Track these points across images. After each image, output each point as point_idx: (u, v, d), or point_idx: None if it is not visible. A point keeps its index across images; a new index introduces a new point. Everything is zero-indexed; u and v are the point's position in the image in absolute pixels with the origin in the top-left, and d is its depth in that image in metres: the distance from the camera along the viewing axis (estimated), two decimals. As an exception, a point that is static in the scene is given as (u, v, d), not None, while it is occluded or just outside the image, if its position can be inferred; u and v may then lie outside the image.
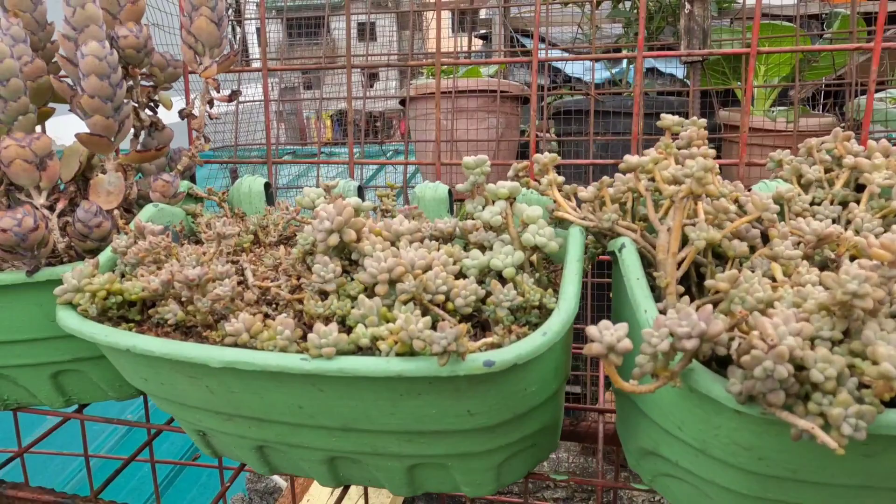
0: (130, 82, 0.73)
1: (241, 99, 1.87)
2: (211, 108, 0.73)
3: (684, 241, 0.49)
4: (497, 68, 1.89)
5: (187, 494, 2.16)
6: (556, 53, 2.48)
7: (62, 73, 0.71)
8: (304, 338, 0.50)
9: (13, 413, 0.77)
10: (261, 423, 0.51)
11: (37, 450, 0.90)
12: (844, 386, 0.34)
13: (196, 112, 0.73)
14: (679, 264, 0.48)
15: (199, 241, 0.68)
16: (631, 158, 0.52)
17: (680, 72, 2.18)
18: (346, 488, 0.61)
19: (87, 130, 0.64)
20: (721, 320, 0.37)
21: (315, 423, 0.49)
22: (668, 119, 0.56)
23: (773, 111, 1.67)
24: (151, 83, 0.75)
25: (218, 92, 0.71)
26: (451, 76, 1.61)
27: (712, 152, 0.57)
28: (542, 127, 1.85)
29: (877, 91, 1.86)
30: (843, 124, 1.52)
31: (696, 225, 0.47)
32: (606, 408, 0.69)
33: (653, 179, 0.51)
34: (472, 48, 3.00)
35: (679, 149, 0.59)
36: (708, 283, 0.41)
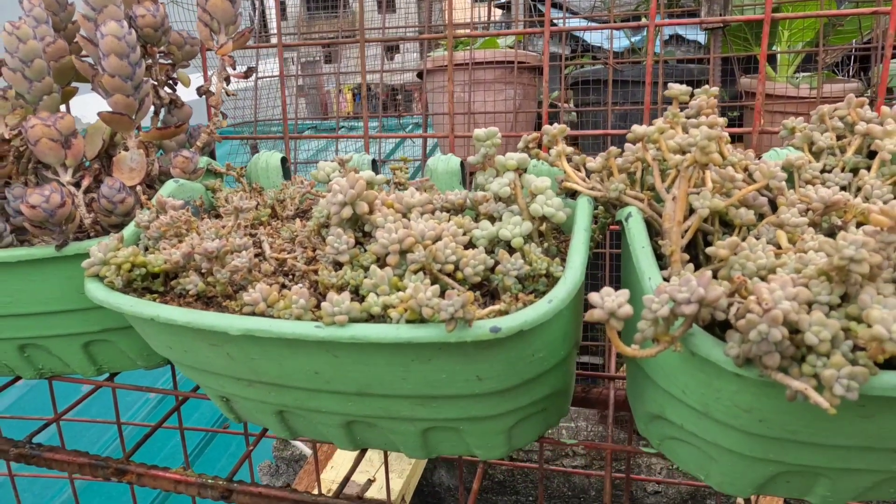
0: (149, 60, 0.75)
1: (260, 74, 1.89)
2: (228, 84, 0.74)
3: (691, 209, 0.50)
4: (515, 39, 1.87)
5: (217, 463, 2.24)
6: (574, 21, 2.45)
7: (84, 53, 0.73)
8: (318, 306, 0.52)
9: (48, 382, 0.81)
10: (280, 389, 0.54)
11: (71, 417, 0.94)
12: (838, 349, 0.35)
13: (213, 89, 0.74)
14: (684, 233, 0.48)
15: (218, 216, 0.70)
16: (638, 128, 0.52)
17: (703, 38, 2.14)
18: (364, 451, 0.64)
19: (109, 109, 0.66)
20: (720, 286, 0.38)
21: (331, 389, 0.51)
22: (674, 88, 0.56)
23: (796, 77, 1.64)
24: (169, 61, 0.76)
25: (234, 69, 0.72)
26: (468, 48, 1.60)
27: (721, 120, 0.57)
28: (560, 97, 1.84)
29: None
30: (869, 90, 1.48)
31: (700, 193, 0.47)
32: (618, 374, 0.70)
33: (660, 149, 0.51)
34: (492, 18, 2.96)
35: (688, 118, 0.59)
36: (709, 249, 0.42)
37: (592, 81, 1.68)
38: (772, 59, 1.65)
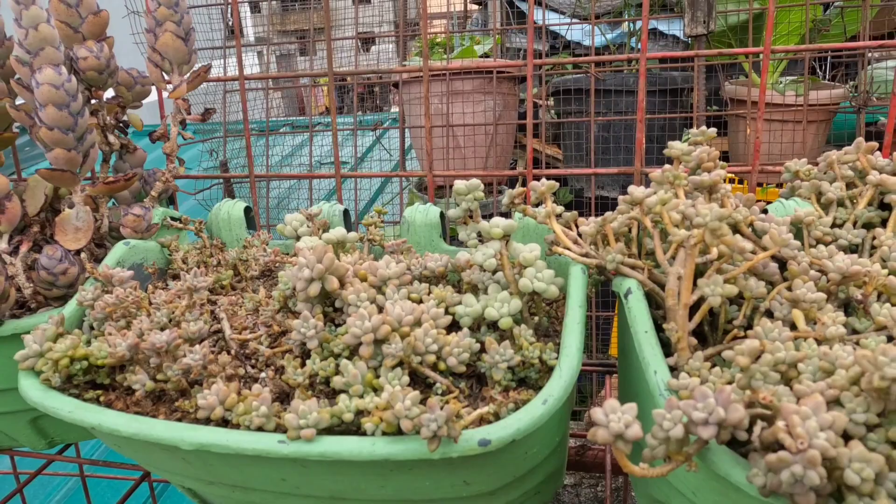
0: (95, 101, 0.68)
1: (231, 74, 1.81)
2: (184, 128, 0.68)
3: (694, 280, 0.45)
4: (491, 46, 1.81)
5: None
6: (554, 17, 2.39)
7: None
8: (286, 400, 0.46)
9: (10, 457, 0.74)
10: (245, 490, 0.48)
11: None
12: (883, 486, 0.30)
13: (170, 133, 0.68)
14: (690, 313, 0.44)
15: (175, 276, 0.64)
16: (636, 192, 0.47)
17: (681, 33, 2.09)
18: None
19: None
20: (741, 403, 0.33)
21: (301, 493, 0.46)
22: (675, 148, 0.51)
23: (781, 83, 1.61)
24: (118, 102, 0.70)
25: (189, 113, 0.66)
26: (445, 58, 1.54)
27: (722, 173, 0.52)
28: (538, 94, 1.78)
29: (883, 59, 1.78)
30: (855, 95, 1.45)
31: (709, 273, 0.42)
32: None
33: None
34: (468, 13, 2.90)
35: (690, 168, 0.54)
36: (726, 355, 0.37)
37: (574, 91, 1.63)
38: (754, 63, 1.61)
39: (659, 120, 1.55)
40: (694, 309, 0.45)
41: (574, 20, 2.26)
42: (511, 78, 1.62)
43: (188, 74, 0.66)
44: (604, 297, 1.64)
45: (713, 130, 0.58)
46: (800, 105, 1.47)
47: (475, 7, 3.33)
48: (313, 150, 2.00)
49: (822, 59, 1.70)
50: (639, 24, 1.79)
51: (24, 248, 0.58)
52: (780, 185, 1.63)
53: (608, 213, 0.49)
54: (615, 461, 0.64)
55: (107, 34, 0.69)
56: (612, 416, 0.35)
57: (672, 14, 2.16)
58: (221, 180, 1.75)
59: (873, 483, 0.30)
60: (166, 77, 0.66)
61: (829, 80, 1.72)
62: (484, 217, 0.55)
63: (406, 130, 1.77)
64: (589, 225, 0.50)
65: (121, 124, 0.70)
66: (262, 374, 0.47)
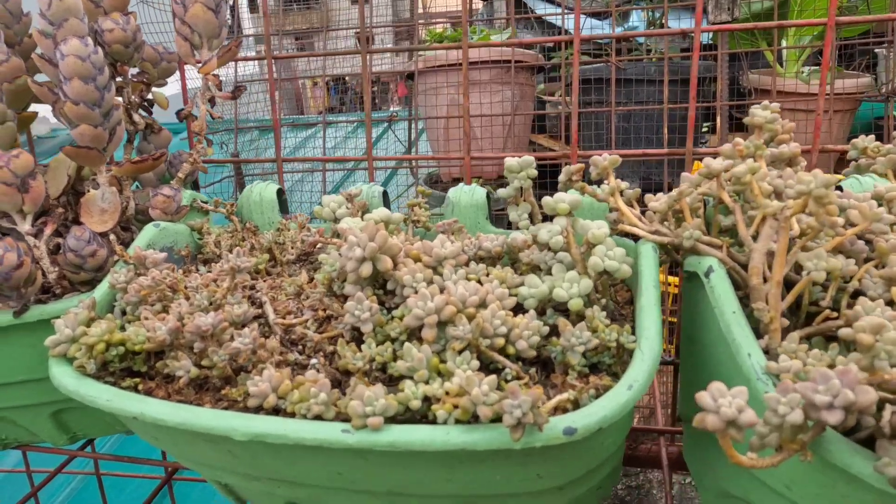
0: (120, 79, 0.65)
1: (236, 63, 1.77)
2: (213, 106, 0.64)
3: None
4: (511, 33, 1.78)
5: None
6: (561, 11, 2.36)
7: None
8: (337, 388, 0.43)
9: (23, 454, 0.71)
10: (292, 485, 0.45)
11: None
12: None
13: (196, 112, 0.64)
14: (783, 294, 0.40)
15: (206, 261, 0.61)
16: (713, 163, 0.44)
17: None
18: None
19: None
20: (869, 385, 0.30)
21: (356, 489, 0.42)
22: (758, 115, 0.47)
23: (804, 71, 1.57)
24: (144, 80, 0.66)
25: (220, 90, 0.62)
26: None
27: (797, 145, 0.49)
28: (552, 90, 1.74)
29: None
30: (884, 84, 1.42)
31: (795, 250, 0.39)
32: (668, 428, 0.62)
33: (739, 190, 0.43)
34: (473, 9, 2.86)
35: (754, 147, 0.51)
36: (843, 333, 0.34)
37: (594, 80, 1.60)
38: (778, 53, 1.58)
39: (680, 110, 1.52)
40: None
41: (586, 14, 2.23)
42: (528, 68, 1.59)
43: (218, 49, 0.63)
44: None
45: (777, 105, 0.54)
46: (825, 94, 1.44)
47: (479, 4, 3.29)
48: (324, 143, 1.96)
49: (847, 49, 1.67)
50: (657, 13, 1.76)
51: (48, 230, 0.54)
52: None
53: (683, 187, 0.45)
54: (671, 455, 0.61)
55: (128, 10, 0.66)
56: (722, 401, 0.31)
57: (688, 3, 2.14)
58: (232, 173, 1.71)
59: None
60: (195, 53, 0.63)
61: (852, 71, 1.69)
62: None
63: (417, 122, 1.74)
64: (660, 201, 0.47)
65: (145, 103, 0.66)
66: (314, 360, 0.44)
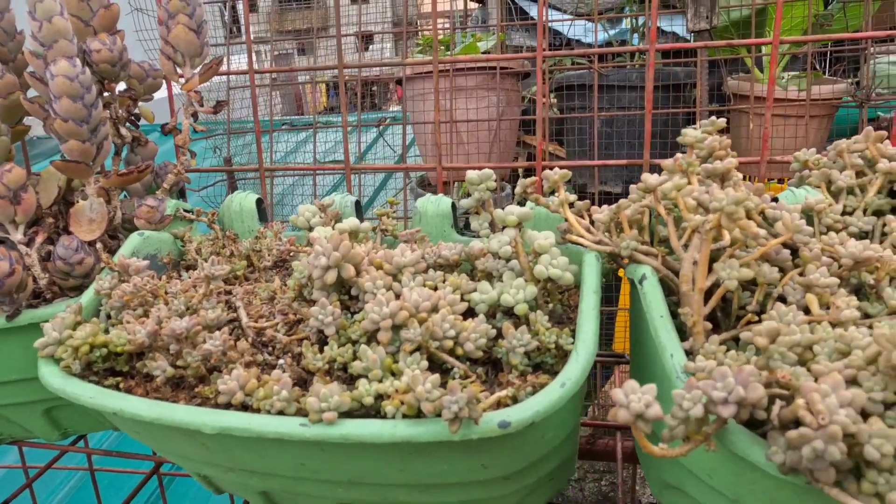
0: (108, 94, 0.68)
1: (230, 69, 1.80)
2: (196, 121, 0.68)
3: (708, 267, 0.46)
4: (494, 43, 1.82)
5: None
6: (556, 15, 2.40)
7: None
8: (303, 386, 0.47)
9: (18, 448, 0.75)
10: (263, 476, 0.49)
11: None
12: (902, 462, 0.31)
13: (181, 126, 0.68)
14: (705, 299, 0.44)
15: (188, 267, 0.65)
16: (650, 179, 0.48)
17: (681, 30, 2.10)
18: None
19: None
20: (760, 382, 0.34)
21: (319, 478, 0.46)
22: (689, 135, 0.51)
23: (783, 77, 1.61)
24: (130, 95, 0.70)
25: (201, 105, 0.66)
26: (448, 53, 1.54)
27: (734, 161, 0.53)
28: (536, 94, 1.78)
29: (884, 54, 1.79)
30: (859, 91, 1.46)
31: (723, 259, 0.43)
32: (623, 424, 0.66)
33: (675, 204, 0.47)
34: (468, 11, 2.90)
35: (700, 158, 0.55)
36: (744, 336, 0.37)
37: (577, 86, 1.63)
38: (758, 59, 1.62)
39: (662, 115, 1.55)
40: (708, 295, 0.45)
41: (576, 18, 2.27)
42: (514, 74, 1.63)
43: (200, 67, 0.66)
44: (606, 293, 1.64)
45: (722, 121, 0.58)
46: (802, 100, 1.48)
47: (475, 6, 3.33)
48: (314, 149, 2.00)
49: (823, 56, 1.71)
50: (641, 19, 1.80)
51: (39, 239, 0.58)
52: (780, 181, 1.63)
53: (622, 201, 0.49)
54: (625, 449, 0.65)
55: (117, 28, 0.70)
56: (633, 397, 0.35)
57: (674, 10, 2.17)
58: (225, 177, 1.75)
59: (893, 458, 0.31)
60: (178, 70, 0.66)
61: (830, 76, 1.72)
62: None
63: (408, 127, 1.77)
64: (602, 213, 0.51)
65: (132, 117, 0.70)
66: (281, 361, 0.47)
